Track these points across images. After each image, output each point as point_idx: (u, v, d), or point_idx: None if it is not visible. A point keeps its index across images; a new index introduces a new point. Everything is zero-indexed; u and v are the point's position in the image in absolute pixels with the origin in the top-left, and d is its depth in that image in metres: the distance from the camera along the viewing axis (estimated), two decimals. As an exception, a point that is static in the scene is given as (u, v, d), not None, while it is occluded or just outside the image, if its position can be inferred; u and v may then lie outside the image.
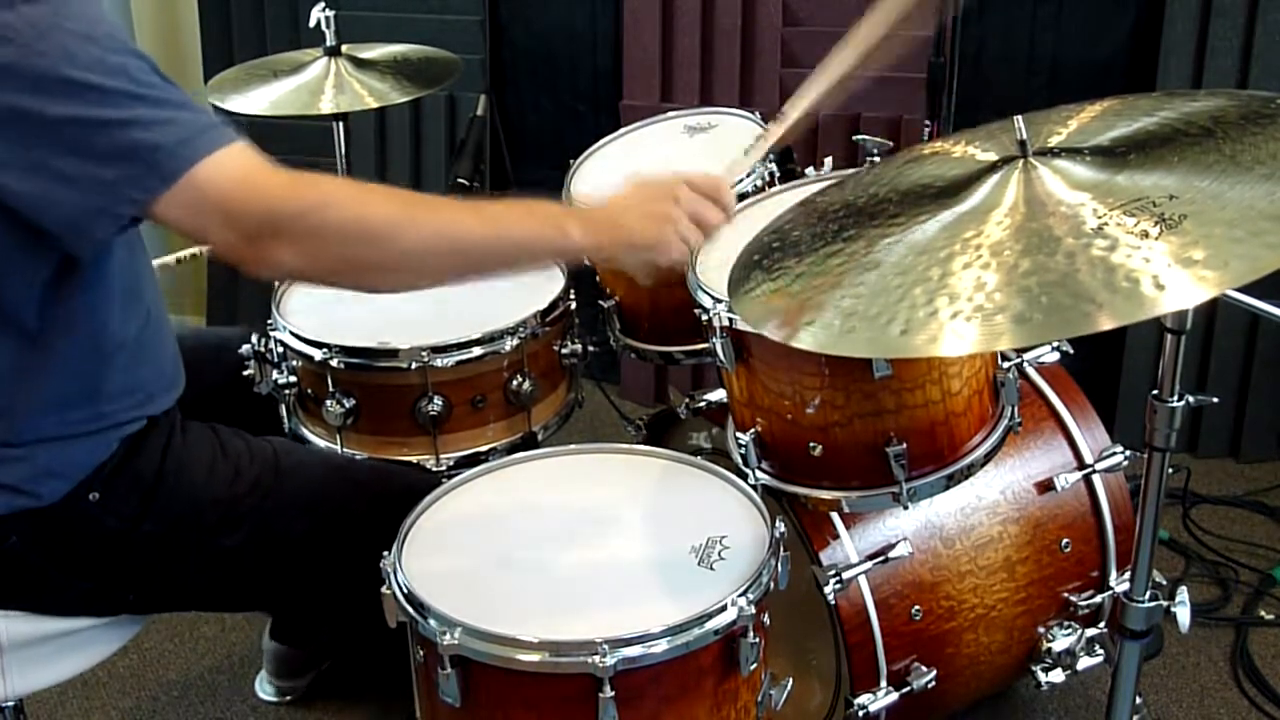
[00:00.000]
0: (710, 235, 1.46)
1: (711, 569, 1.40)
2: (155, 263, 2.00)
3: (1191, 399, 1.29)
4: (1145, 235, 1.02)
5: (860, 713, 1.66)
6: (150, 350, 1.53)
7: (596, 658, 1.26)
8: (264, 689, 2.19)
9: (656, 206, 1.41)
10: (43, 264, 1.36)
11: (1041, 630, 1.81)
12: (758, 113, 2.07)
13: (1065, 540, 1.80)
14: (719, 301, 1.57)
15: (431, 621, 1.32)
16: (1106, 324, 0.98)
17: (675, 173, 1.45)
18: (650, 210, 1.41)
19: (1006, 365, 1.58)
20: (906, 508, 1.56)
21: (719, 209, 1.45)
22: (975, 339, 1.03)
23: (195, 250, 2.03)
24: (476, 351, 1.80)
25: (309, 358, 1.81)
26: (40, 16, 1.23)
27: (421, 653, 1.39)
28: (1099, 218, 1.06)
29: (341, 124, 2.42)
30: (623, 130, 2.15)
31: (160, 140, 1.25)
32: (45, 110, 1.22)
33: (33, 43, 1.22)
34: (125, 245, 1.47)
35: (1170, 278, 0.98)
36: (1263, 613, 2.29)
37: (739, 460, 1.61)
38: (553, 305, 1.88)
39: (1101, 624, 1.85)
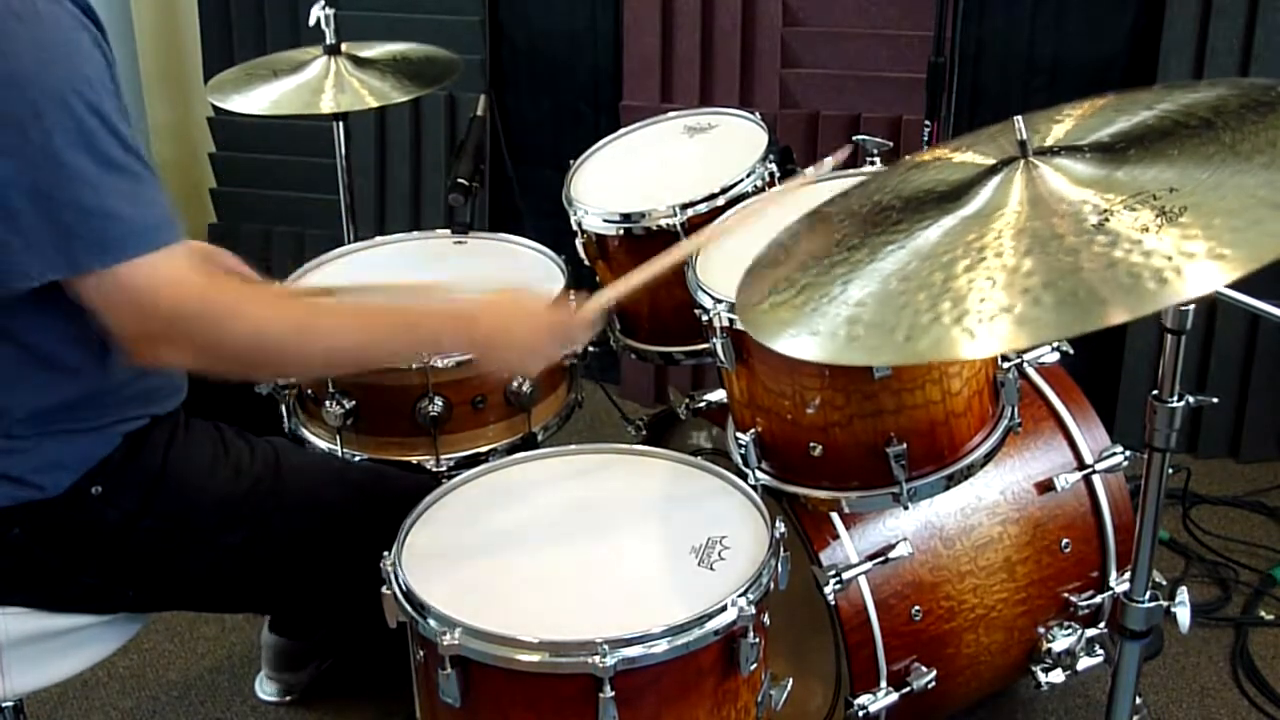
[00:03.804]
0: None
1: (711, 569, 1.40)
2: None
3: (1191, 399, 1.29)
4: (1146, 229, 1.02)
5: (860, 713, 1.66)
6: None
7: (596, 658, 1.26)
8: (264, 689, 2.19)
9: (534, 341, 1.52)
10: None
11: (1041, 630, 1.81)
12: (757, 113, 2.07)
13: (1065, 540, 1.80)
14: (719, 302, 1.57)
15: (431, 621, 1.32)
16: (1109, 320, 0.97)
17: (556, 308, 1.63)
18: (528, 343, 1.52)
19: (1006, 365, 1.58)
20: (906, 508, 1.56)
21: (581, 337, 1.59)
22: (980, 342, 1.02)
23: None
24: (476, 352, 1.80)
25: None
26: (20, 64, 1.24)
27: (421, 653, 1.39)
28: (1100, 214, 1.06)
29: (341, 123, 2.42)
30: (623, 130, 2.15)
31: (91, 234, 1.28)
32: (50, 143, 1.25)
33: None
34: None
35: (1172, 271, 0.98)
36: (1263, 613, 2.29)
37: (739, 460, 1.61)
38: (553, 305, 1.88)
39: (1101, 624, 1.85)
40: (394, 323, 1.50)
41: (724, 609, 1.32)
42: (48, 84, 1.25)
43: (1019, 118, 1.19)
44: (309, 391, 1.87)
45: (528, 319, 1.53)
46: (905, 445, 1.50)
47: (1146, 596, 1.36)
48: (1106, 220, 1.05)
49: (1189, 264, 0.97)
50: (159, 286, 1.32)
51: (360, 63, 2.37)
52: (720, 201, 1.83)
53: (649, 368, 3.01)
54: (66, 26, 1.30)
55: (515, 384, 1.84)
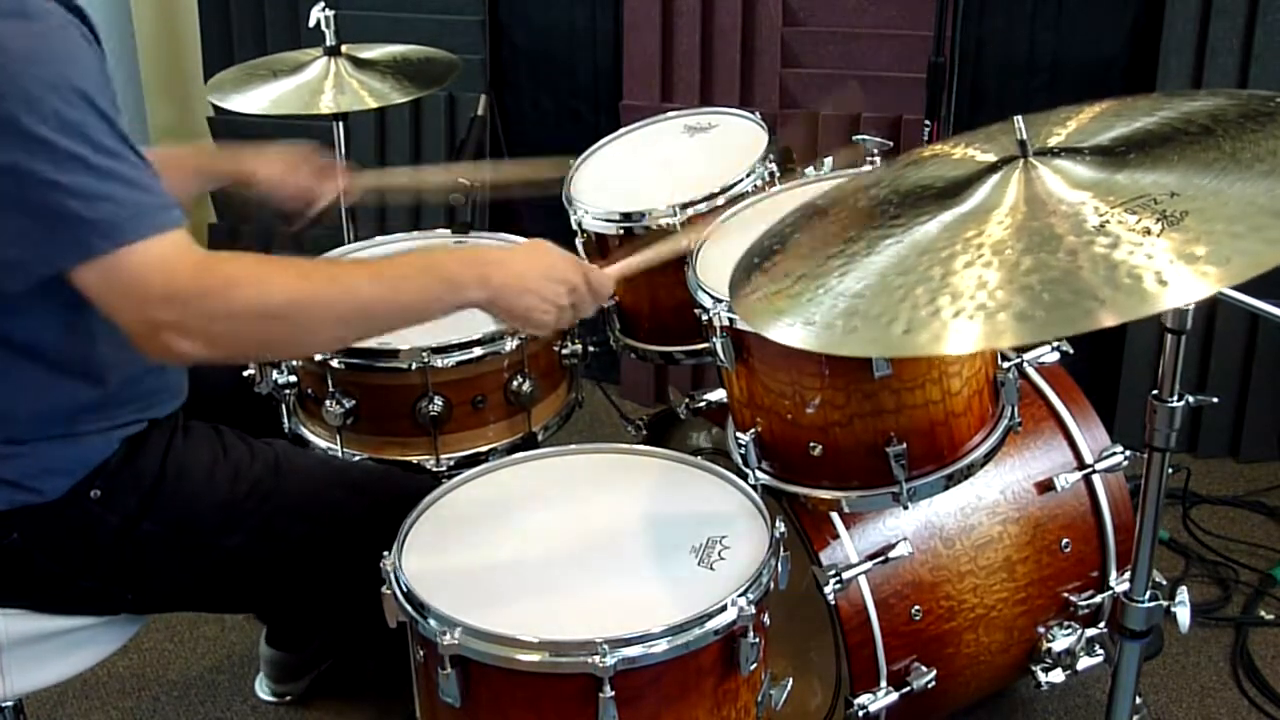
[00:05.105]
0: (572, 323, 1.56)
1: (711, 569, 1.40)
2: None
3: (1191, 399, 1.29)
4: (1147, 232, 1.02)
5: (860, 713, 1.66)
6: None
7: (596, 658, 1.26)
8: (264, 689, 2.19)
9: (554, 290, 1.48)
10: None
11: (1041, 630, 1.81)
12: (757, 112, 2.07)
13: (1065, 540, 1.80)
14: (719, 301, 1.57)
15: (431, 621, 1.32)
16: (1109, 320, 0.98)
17: (578, 262, 1.53)
18: (547, 292, 1.47)
19: (1006, 365, 1.58)
20: (906, 508, 1.56)
21: (595, 307, 1.55)
22: (978, 337, 1.03)
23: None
24: (477, 352, 1.80)
25: (309, 357, 1.81)
26: (9, 56, 1.22)
27: (421, 653, 1.39)
28: (1100, 215, 1.06)
29: (341, 124, 2.42)
30: (623, 130, 2.15)
31: (91, 217, 1.26)
32: None
33: None
34: None
35: (1173, 274, 0.98)
36: (1263, 613, 2.29)
37: (739, 460, 1.61)
38: (552, 305, 1.88)
39: (1101, 624, 1.85)
40: (408, 270, 1.45)
41: (724, 609, 1.32)
42: (39, 74, 1.24)
43: (1019, 117, 1.19)
44: (309, 391, 1.87)
45: (547, 266, 1.49)
46: (905, 445, 1.50)
47: (1146, 596, 1.36)
48: (1107, 222, 1.05)
49: (1191, 267, 0.98)
50: (154, 270, 1.28)
51: (360, 64, 2.37)
52: (720, 201, 1.84)
53: (649, 368, 3.01)
54: (55, 23, 1.29)
55: (515, 383, 1.84)
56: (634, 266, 1.65)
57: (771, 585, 1.39)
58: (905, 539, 1.69)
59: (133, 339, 1.31)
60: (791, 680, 1.49)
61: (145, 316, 1.29)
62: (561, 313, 1.50)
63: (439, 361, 1.77)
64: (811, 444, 1.54)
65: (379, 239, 2.15)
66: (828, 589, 1.62)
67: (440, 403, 1.79)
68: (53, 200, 1.25)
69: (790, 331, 1.16)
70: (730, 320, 1.54)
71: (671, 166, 2.02)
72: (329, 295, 1.38)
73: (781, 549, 1.41)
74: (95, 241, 1.26)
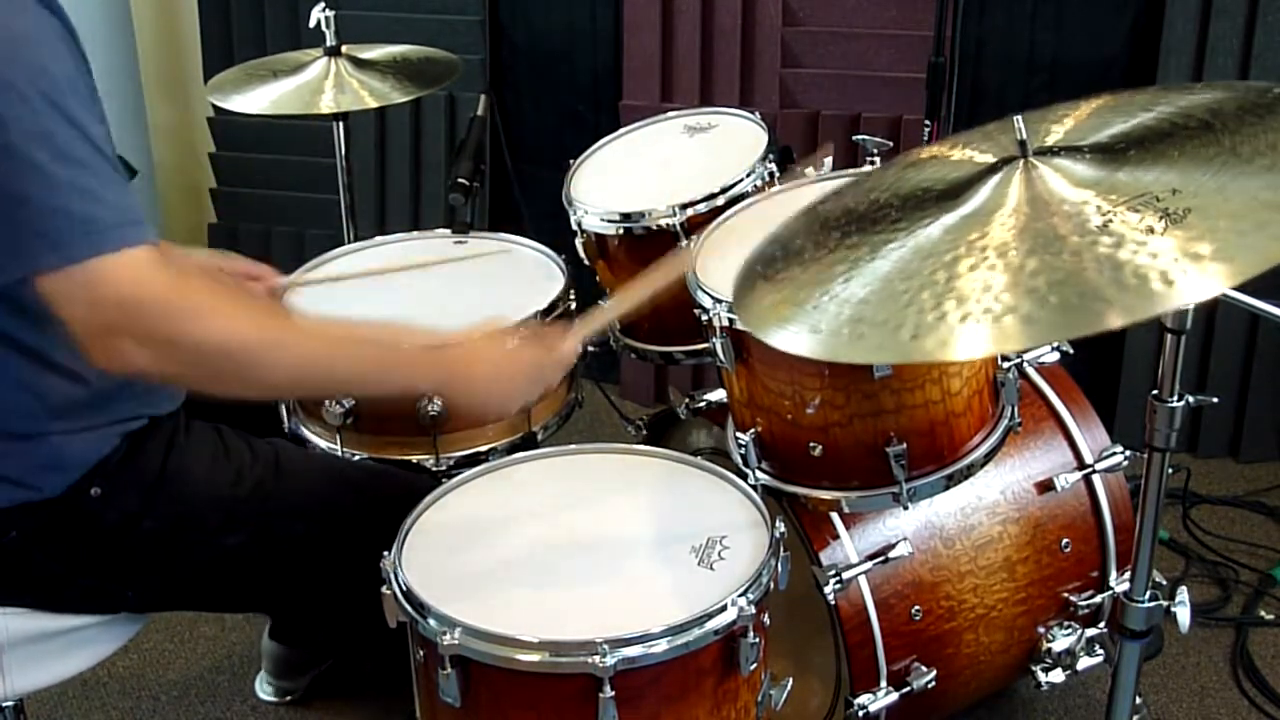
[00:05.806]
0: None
1: (711, 569, 1.40)
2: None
3: (1191, 399, 1.29)
4: (1151, 231, 1.02)
5: (860, 713, 1.66)
6: None
7: (596, 658, 1.26)
8: (264, 689, 2.19)
9: (510, 381, 1.49)
10: None
11: (1041, 630, 1.81)
12: (757, 113, 2.07)
13: (1065, 540, 1.80)
14: (719, 301, 1.57)
15: (431, 621, 1.32)
16: (1116, 322, 0.97)
17: (539, 339, 1.54)
18: (502, 386, 1.49)
19: (1006, 365, 1.58)
20: (906, 508, 1.56)
21: (562, 373, 1.56)
22: (985, 341, 1.02)
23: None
24: (476, 351, 1.79)
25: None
26: None
27: (421, 653, 1.39)
28: (1103, 215, 1.06)
29: (341, 124, 2.42)
30: (623, 130, 2.15)
31: (61, 227, 1.25)
32: None
33: None
34: None
35: (1179, 273, 0.97)
36: (1263, 613, 2.29)
37: (739, 460, 1.61)
38: (553, 305, 1.88)
39: (1101, 624, 1.85)
40: (365, 352, 1.45)
41: (724, 609, 1.32)
42: (6, 77, 1.23)
43: (1018, 117, 1.19)
44: (309, 391, 1.87)
45: (502, 363, 1.49)
46: (905, 445, 1.50)
47: (1146, 596, 1.36)
48: (1110, 221, 1.05)
49: (1197, 266, 0.97)
50: (117, 282, 1.26)
51: (360, 64, 2.37)
52: (720, 201, 1.84)
53: (649, 368, 3.01)
54: (30, 23, 1.27)
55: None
56: (595, 329, 1.62)
57: (771, 585, 1.39)
58: (905, 539, 1.69)
59: (82, 344, 1.29)
60: (791, 680, 1.49)
61: (100, 323, 1.28)
62: (518, 403, 1.53)
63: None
64: (811, 444, 1.54)
65: (379, 239, 2.15)
66: (828, 589, 1.62)
67: (440, 403, 1.79)
68: (9, 210, 1.24)
69: (797, 339, 1.15)
70: (730, 321, 1.53)
71: (671, 166, 2.02)
72: (286, 356, 1.37)
73: (781, 549, 1.41)
74: (46, 255, 1.25)
